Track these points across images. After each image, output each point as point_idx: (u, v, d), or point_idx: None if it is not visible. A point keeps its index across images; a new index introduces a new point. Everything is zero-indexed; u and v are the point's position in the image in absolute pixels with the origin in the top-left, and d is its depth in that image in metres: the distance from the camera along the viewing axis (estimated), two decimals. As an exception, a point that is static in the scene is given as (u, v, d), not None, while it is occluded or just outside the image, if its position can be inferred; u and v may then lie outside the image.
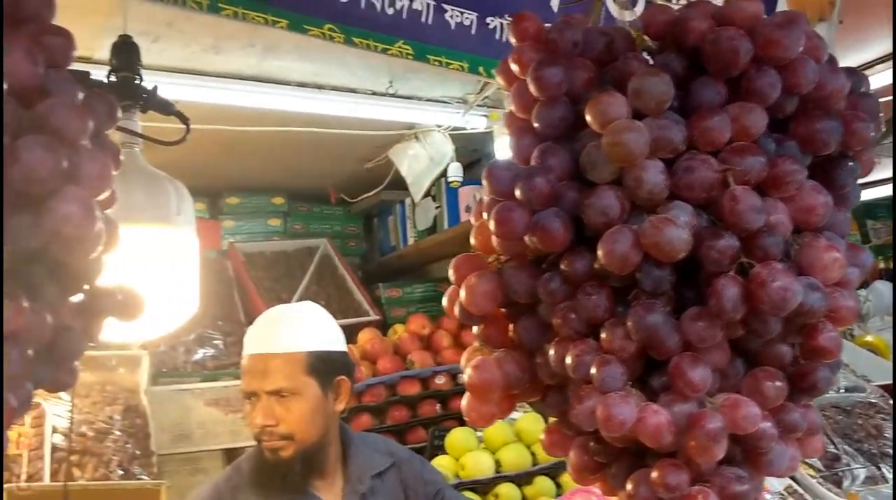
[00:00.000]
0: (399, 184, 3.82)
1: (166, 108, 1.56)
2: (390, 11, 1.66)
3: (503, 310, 0.95)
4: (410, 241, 4.04)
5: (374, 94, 3.03)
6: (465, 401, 0.94)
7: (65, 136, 0.59)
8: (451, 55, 1.78)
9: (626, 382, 0.82)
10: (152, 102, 1.54)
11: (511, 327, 0.94)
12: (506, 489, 2.76)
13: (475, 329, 0.98)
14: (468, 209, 3.56)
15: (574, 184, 0.86)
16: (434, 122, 3.31)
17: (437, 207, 3.79)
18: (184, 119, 1.59)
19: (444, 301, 0.98)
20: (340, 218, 4.32)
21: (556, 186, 0.85)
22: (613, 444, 0.86)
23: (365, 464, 1.97)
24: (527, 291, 0.89)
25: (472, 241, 0.97)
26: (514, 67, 0.91)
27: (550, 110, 0.87)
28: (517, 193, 0.85)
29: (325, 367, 1.86)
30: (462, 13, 1.77)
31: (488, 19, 1.83)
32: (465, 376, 0.91)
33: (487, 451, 2.84)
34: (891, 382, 3.14)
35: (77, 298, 0.76)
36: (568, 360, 0.84)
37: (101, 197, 0.63)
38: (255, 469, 1.87)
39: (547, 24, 0.93)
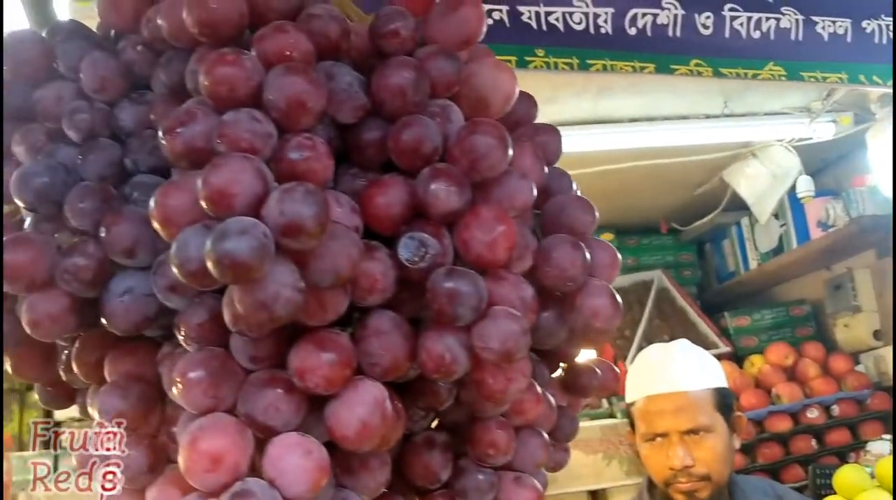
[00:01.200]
0: (731, 205, 3.62)
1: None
2: (756, 35, 1.57)
3: None
4: (752, 264, 3.79)
5: (707, 117, 2.92)
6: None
7: (577, 230, 0.60)
8: (827, 68, 1.63)
9: None
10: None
11: None
12: (914, 534, 2.44)
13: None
14: (820, 224, 3.26)
15: None
16: (773, 136, 3.10)
17: (781, 226, 3.52)
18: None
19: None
20: (671, 247, 4.18)
21: None
22: None
23: (753, 507, 1.85)
24: None
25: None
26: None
27: None
28: None
29: (726, 402, 1.79)
30: (834, 22, 1.63)
31: (864, 23, 1.66)
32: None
33: (885, 490, 2.54)
34: None
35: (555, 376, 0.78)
36: None
37: (612, 283, 0.63)
38: None
39: None
